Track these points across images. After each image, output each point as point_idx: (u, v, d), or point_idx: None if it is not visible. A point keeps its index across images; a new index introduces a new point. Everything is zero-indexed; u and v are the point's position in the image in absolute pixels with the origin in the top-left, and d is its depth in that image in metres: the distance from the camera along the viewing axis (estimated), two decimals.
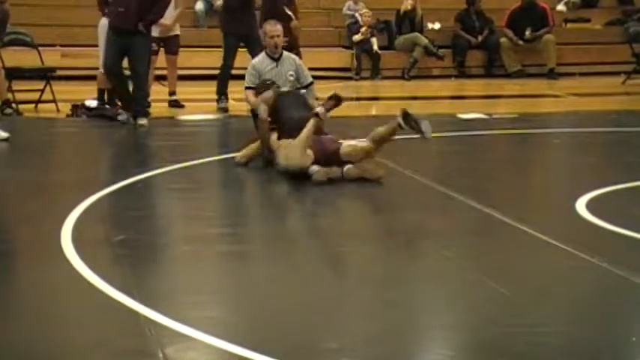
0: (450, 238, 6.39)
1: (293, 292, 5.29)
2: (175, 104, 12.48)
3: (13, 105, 11.84)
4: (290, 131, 8.28)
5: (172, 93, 12.60)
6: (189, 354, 4.40)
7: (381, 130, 8.17)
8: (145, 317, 4.72)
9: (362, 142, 8.18)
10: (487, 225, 6.85)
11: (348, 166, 8.09)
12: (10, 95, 11.89)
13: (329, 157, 8.09)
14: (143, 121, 11.06)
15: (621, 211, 7.12)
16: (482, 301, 5.12)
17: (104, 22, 11.74)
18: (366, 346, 4.48)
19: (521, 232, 6.48)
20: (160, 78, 13.18)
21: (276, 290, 5.31)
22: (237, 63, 13.66)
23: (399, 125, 8.04)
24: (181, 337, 4.49)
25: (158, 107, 12.32)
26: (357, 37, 16.27)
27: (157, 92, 12.51)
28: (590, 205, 7.13)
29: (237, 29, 12.31)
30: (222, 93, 12.54)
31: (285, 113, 8.51)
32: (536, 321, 4.77)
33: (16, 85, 12.00)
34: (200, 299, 5.10)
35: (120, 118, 11.22)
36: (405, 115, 8.00)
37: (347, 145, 8.17)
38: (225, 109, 12.41)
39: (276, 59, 9.50)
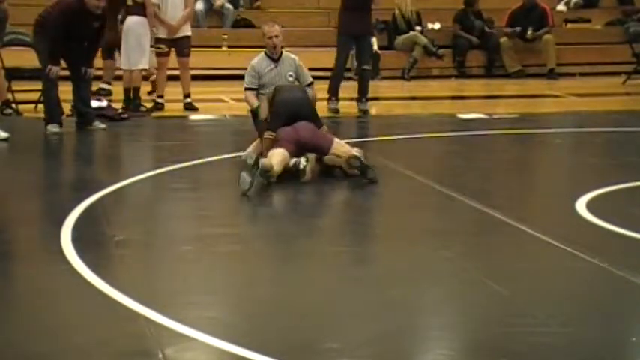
0: (450, 238, 6.39)
1: (293, 292, 5.29)
2: (190, 107, 12.38)
3: (13, 105, 11.84)
4: (280, 115, 8.32)
5: (187, 95, 12.45)
6: (189, 354, 4.40)
7: (340, 152, 8.15)
8: (145, 317, 4.72)
9: (349, 150, 8.17)
10: (487, 225, 6.85)
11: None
12: (10, 95, 11.90)
13: (307, 148, 8.11)
14: (102, 125, 10.92)
15: (621, 211, 7.12)
16: (482, 301, 5.12)
17: (131, 20, 11.83)
18: (366, 346, 4.48)
19: (521, 232, 6.48)
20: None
21: (276, 290, 5.31)
22: (238, 63, 13.73)
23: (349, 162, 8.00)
24: (181, 337, 4.49)
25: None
26: None
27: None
28: (590, 205, 7.13)
29: (352, 29, 12.22)
30: (333, 94, 12.33)
31: (278, 96, 8.56)
32: (536, 321, 4.77)
33: (16, 85, 11.99)
34: (200, 299, 5.10)
35: (52, 129, 10.53)
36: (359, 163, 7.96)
37: (337, 151, 8.16)
38: (336, 110, 12.23)
39: (276, 60, 9.50)
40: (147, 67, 12.14)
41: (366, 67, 12.50)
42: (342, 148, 8.24)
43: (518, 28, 16.77)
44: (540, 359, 4.37)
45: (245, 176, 7.55)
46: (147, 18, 11.96)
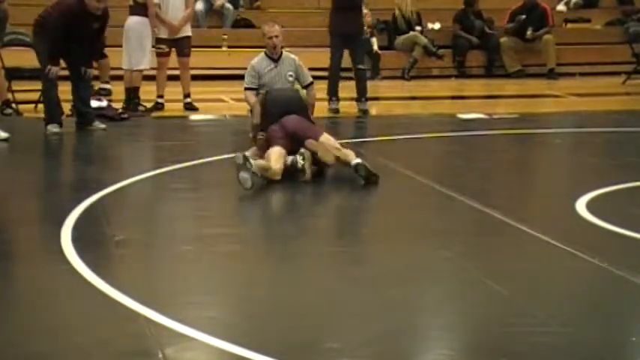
0: (450, 238, 6.39)
1: (293, 292, 5.29)
2: (190, 107, 12.41)
3: (13, 105, 11.84)
4: (272, 114, 8.37)
5: (187, 95, 12.48)
6: (189, 354, 4.40)
7: (343, 155, 8.14)
8: (145, 317, 4.72)
9: (336, 148, 8.18)
10: (487, 225, 6.85)
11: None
12: (10, 95, 11.90)
13: (298, 138, 8.14)
14: (102, 125, 10.90)
15: (621, 211, 7.12)
16: (482, 301, 5.12)
17: (133, 21, 11.86)
18: (366, 346, 4.48)
19: (521, 232, 6.48)
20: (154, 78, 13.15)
21: (276, 290, 5.31)
22: (238, 63, 13.72)
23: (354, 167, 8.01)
24: (181, 337, 4.49)
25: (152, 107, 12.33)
26: None
27: (150, 92, 12.49)
28: (590, 205, 7.13)
29: (344, 29, 12.19)
30: (332, 94, 12.33)
31: (269, 97, 8.62)
32: (536, 321, 4.77)
33: (16, 85, 11.99)
34: (200, 299, 5.10)
35: (52, 129, 10.51)
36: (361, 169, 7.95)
37: (323, 145, 8.17)
38: (336, 110, 12.24)
39: (276, 60, 9.49)
40: (148, 67, 12.14)
41: (361, 66, 12.45)
42: (330, 142, 8.24)
43: (523, 16, 16.73)
44: (540, 359, 4.37)
45: (244, 175, 7.57)
46: (148, 18, 11.98)
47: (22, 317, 4.87)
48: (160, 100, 12.33)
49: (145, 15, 11.98)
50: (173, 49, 12.32)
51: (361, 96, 12.37)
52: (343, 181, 8.06)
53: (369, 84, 12.75)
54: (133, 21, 12.01)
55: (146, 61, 12.04)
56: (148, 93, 12.30)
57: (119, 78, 12.56)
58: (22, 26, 12.45)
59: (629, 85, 15.70)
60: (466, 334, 4.72)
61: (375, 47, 16.51)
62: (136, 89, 12.08)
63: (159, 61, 12.29)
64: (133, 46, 11.97)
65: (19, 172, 8.90)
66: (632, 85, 15.60)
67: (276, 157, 7.94)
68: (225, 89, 14.12)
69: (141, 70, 12.05)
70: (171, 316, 4.69)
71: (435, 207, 7.53)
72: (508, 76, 16.86)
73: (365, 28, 16.15)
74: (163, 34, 12.20)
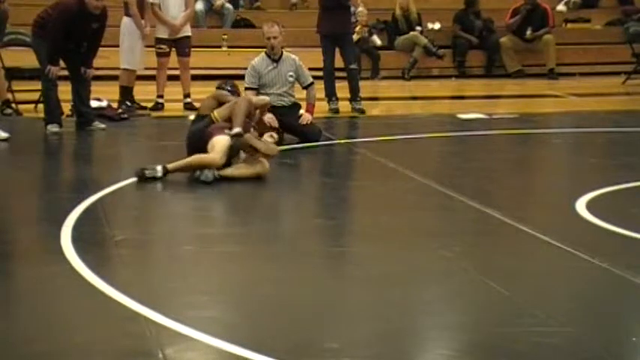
0: (450, 238, 6.38)
1: (293, 292, 5.29)
2: (190, 107, 12.37)
3: (13, 105, 11.84)
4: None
5: (187, 95, 12.48)
6: (189, 354, 4.40)
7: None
8: (145, 317, 4.72)
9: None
10: (487, 225, 6.84)
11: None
12: (10, 95, 11.90)
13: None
14: (102, 125, 10.90)
15: (621, 211, 7.12)
16: (482, 301, 5.12)
17: (123, 21, 11.88)
18: (366, 346, 4.48)
19: (521, 232, 6.48)
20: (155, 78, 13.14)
21: (276, 290, 5.31)
22: (238, 63, 13.73)
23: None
24: (181, 337, 4.49)
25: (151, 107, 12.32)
26: (354, 37, 16.20)
27: (150, 92, 12.48)
28: (590, 205, 7.13)
29: (332, 29, 12.18)
30: (330, 94, 12.31)
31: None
32: (536, 321, 4.77)
33: (16, 85, 11.99)
34: (200, 299, 5.10)
35: (52, 129, 10.52)
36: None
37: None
38: (336, 110, 12.23)
39: (276, 60, 9.51)
40: (136, 67, 12.07)
41: (352, 66, 12.38)
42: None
43: (528, 6, 16.72)
44: (540, 359, 4.37)
45: (208, 174, 7.83)
46: (132, 18, 11.94)
47: (22, 317, 4.87)
48: (159, 100, 12.33)
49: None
50: (173, 49, 12.33)
51: (355, 95, 12.32)
52: (342, 181, 8.06)
53: (369, 84, 12.73)
54: (124, 21, 12.02)
55: (134, 61, 11.98)
56: (148, 93, 12.30)
57: (118, 78, 12.54)
58: (23, 26, 12.45)
59: (629, 85, 15.70)
60: (466, 334, 4.72)
61: (379, 43, 16.50)
62: (126, 89, 12.00)
63: (159, 61, 12.29)
64: (124, 46, 11.97)
65: (19, 172, 8.90)
66: (632, 85, 15.60)
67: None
68: None
69: (134, 70, 12.01)
70: (171, 316, 4.69)
71: (435, 207, 7.53)
72: (508, 76, 16.86)
73: (359, 27, 16.15)
74: (163, 34, 12.20)
